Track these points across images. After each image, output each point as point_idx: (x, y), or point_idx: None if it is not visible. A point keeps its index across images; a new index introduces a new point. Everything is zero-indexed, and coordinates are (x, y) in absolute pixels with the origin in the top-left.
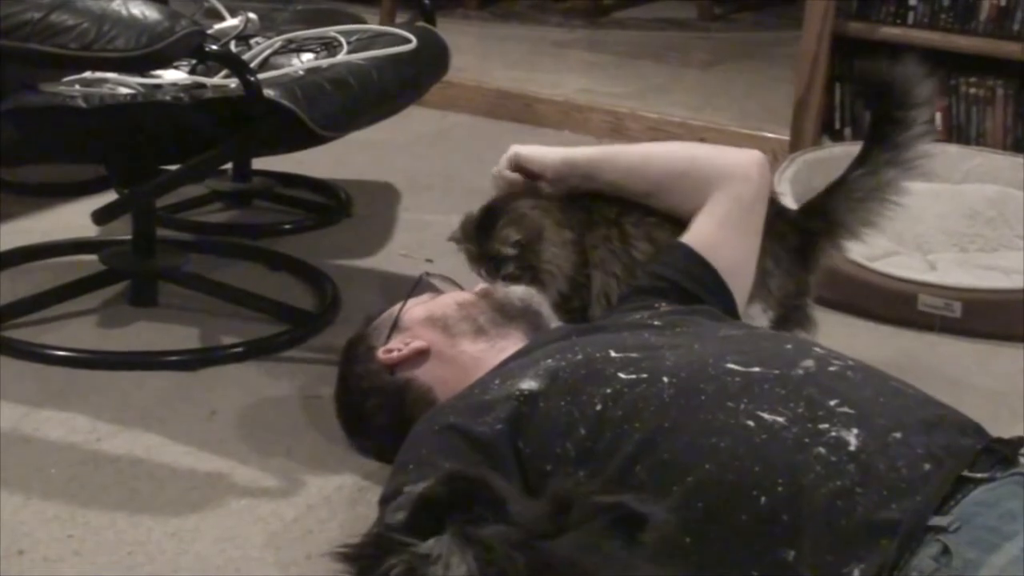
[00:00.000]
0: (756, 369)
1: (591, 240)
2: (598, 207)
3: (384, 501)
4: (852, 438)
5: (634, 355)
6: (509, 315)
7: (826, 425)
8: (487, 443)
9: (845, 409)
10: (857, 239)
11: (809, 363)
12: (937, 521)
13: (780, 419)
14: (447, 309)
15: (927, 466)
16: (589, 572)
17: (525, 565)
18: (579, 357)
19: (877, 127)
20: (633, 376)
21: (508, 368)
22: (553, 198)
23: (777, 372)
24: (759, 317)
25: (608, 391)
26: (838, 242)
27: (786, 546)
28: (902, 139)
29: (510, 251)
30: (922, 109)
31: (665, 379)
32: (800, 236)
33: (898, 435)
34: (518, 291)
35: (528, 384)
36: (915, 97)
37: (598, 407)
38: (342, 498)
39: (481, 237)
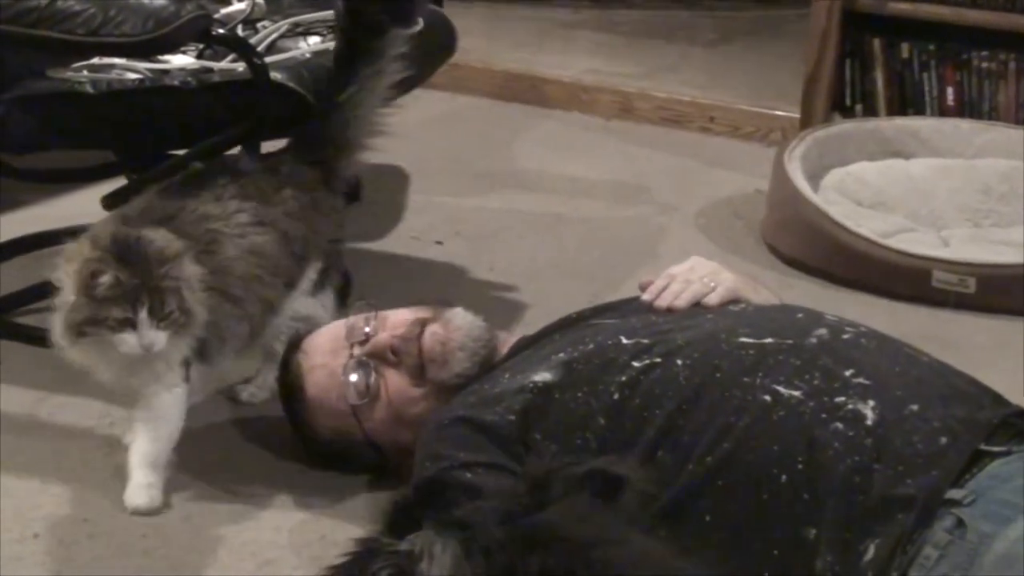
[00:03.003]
0: (769, 340)
1: None
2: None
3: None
4: (869, 411)
5: (645, 341)
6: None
7: (842, 398)
8: (498, 430)
9: (861, 380)
10: (365, 150)
11: (822, 331)
12: (952, 494)
13: (796, 393)
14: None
15: (943, 440)
16: (572, 539)
17: (507, 538)
18: (591, 347)
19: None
20: (647, 362)
21: (515, 361)
22: None
23: (791, 342)
24: (312, 273)
25: (623, 379)
26: (352, 159)
27: (807, 524)
28: (380, 47)
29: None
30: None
31: (679, 361)
32: (321, 171)
33: (915, 407)
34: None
35: (541, 376)
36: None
37: (615, 396)
38: (359, 480)
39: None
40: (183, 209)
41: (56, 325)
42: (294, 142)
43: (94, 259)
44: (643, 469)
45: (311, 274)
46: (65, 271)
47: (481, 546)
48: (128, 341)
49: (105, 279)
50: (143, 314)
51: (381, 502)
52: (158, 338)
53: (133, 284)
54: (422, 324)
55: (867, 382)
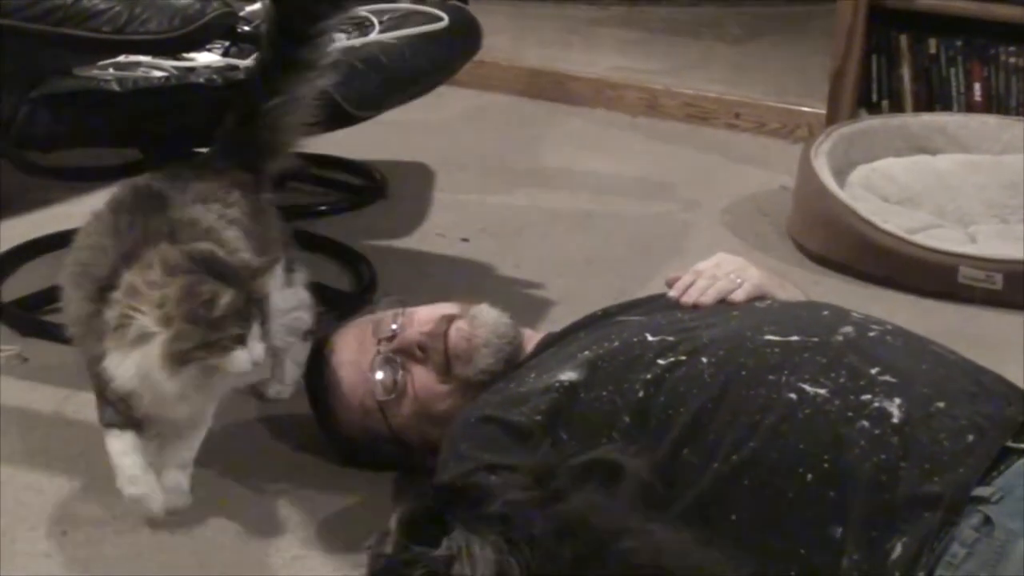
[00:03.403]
0: (795, 338)
1: None
2: None
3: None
4: (895, 409)
5: (670, 338)
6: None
7: (868, 396)
8: (524, 431)
9: (887, 378)
10: (292, 154)
11: (848, 329)
12: (980, 492)
13: (822, 391)
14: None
15: (970, 437)
16: (600, 528)
17: (546, 528)
18: (616, 344)
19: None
20: (672, 360)
21: (541, 360)
22: None
23: (816, 340)
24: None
25: (648, 377)
26: (278, 163)
27: (833, 523)
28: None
29: None
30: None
31: (704, 359)
32: (251, 175)
33: (941, 404)
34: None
35: (567, 375)
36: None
37: (640, 394)
38: (386, 477)
39: None
40: (176, 220)
41: (149, 359)
42: (220, 148)
43: (196, 282)
44: (639, 457)
45: (279, 270)
46: (138, 304)
47: (523, 537)
48: (240, 358)
49: (224, 300)
50: (255, 328)
51: (401, 506)
52: (263, 350)
53: (245, 300)
54: (448, 321)
55: (893, 380)
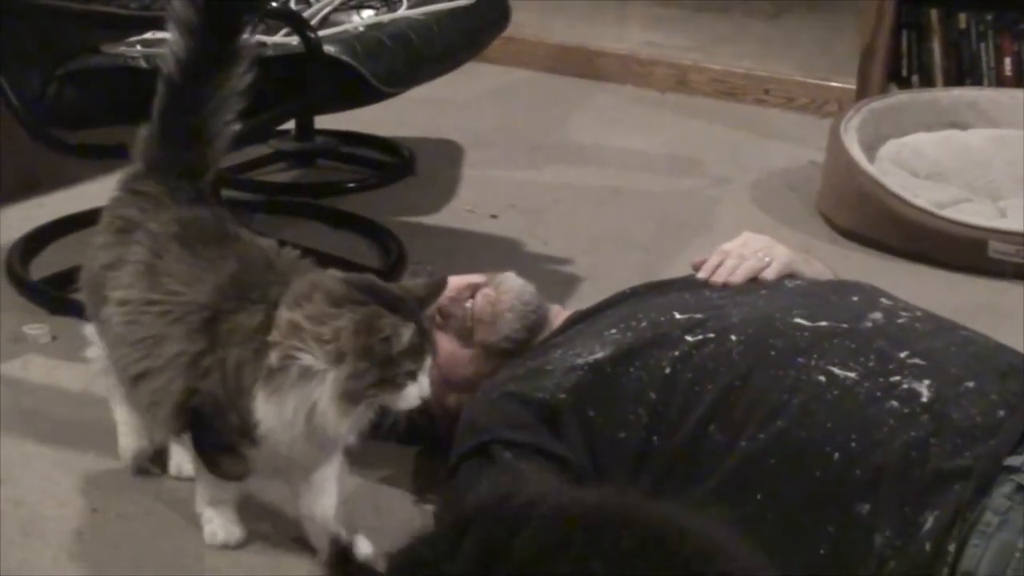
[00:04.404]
0: (824, 323)
1: None
2: None
3: (449, 475)
4: (924, 389)
5: (699, 316)
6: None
7: (897, 378)
8: (547, 408)
9: (916, 360)
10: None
11: (877, 315)
12: (1010, 462)
13: (852, 374)
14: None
15: (1001, 412)
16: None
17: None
18: (643, 324)
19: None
20: (700, 337)
21: (568, 336)
22: None
23: (845, 326)
24: None
25: (676, 354)
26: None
27: (860, 500)
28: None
29: None
30: None
31: (733, 337)
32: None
33: (971, 384)
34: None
35: (593, 352)
36: None
37: (667, 371)
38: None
39: None
40: (260, 247)
41: (317, 399)
42: (152, 164)
43: (374, 316)
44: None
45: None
46: (301, 342)
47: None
48: (412, 393)
49: (406, 336)
50: (428, 361)
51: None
52: (428, 383)
53: (420, 333)
54: (474, 289)
55: (922, 362)
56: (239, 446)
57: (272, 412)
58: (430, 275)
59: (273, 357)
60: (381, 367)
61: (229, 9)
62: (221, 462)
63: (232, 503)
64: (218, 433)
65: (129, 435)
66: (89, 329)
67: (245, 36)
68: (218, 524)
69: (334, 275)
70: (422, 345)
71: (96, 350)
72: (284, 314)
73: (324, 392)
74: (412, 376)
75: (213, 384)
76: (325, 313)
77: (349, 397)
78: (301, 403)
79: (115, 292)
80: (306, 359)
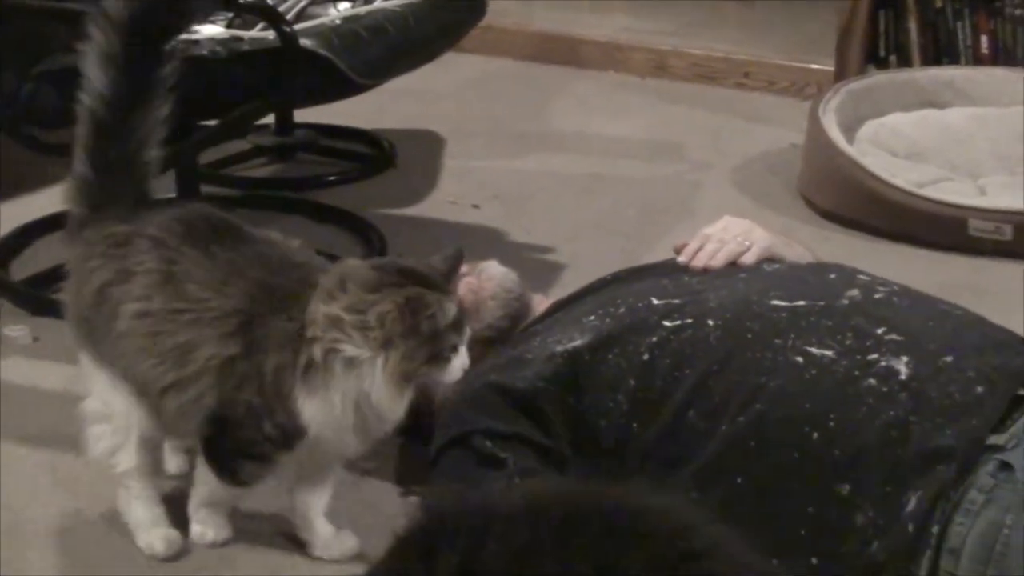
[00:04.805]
0: (801, 303)
1: None
2: None
3: (431, 465)
4: (902, 366)
5: (676, 301)
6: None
7: (875, 355)
8: (526, 397)
9: (893, 336)
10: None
11: (854, 292)
12: (994, 440)
13: (829, 352)
14: None
15: (980, 389)
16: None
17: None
18: (622, 310)
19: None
20: (678, 322)
21: (547, 325)
22: None
23: (822, 304)
24: None
25: (654, 340)
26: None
27: (840, 480)
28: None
29: None
30: None
31: (710, 322)
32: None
33: (949, 359)
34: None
35: (572, 340)
36: None
37: (645, 357)
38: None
39: None
40: (274, 243)
41: (376, 388)
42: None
43: (417, 296)
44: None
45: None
46: (341, 333)
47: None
48: (457, 366)
49: (451, 308)
50: (468, 332)
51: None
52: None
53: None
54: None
55: (900, 338)
56: (270, 453)
57: (318, 410)
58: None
59: (315, 353)
60: (430, 343)
61: (152, 38)
62: (241, 469)
63: (229, 505)
64: (248, 442)
65: (151, 528)
66: (88, 368)
67: (167, 67)
68: (210, 524)
69: (359, 263)
70: (462, 317)
71: (100, 401)
72: (320, 309)
73: (376, 378)
74: (455, 349)
75: (249, 392)
76: (364, 300)
77: (403, 378)
78: (348, 395)
79: (129, 305)
80: (350, 350)
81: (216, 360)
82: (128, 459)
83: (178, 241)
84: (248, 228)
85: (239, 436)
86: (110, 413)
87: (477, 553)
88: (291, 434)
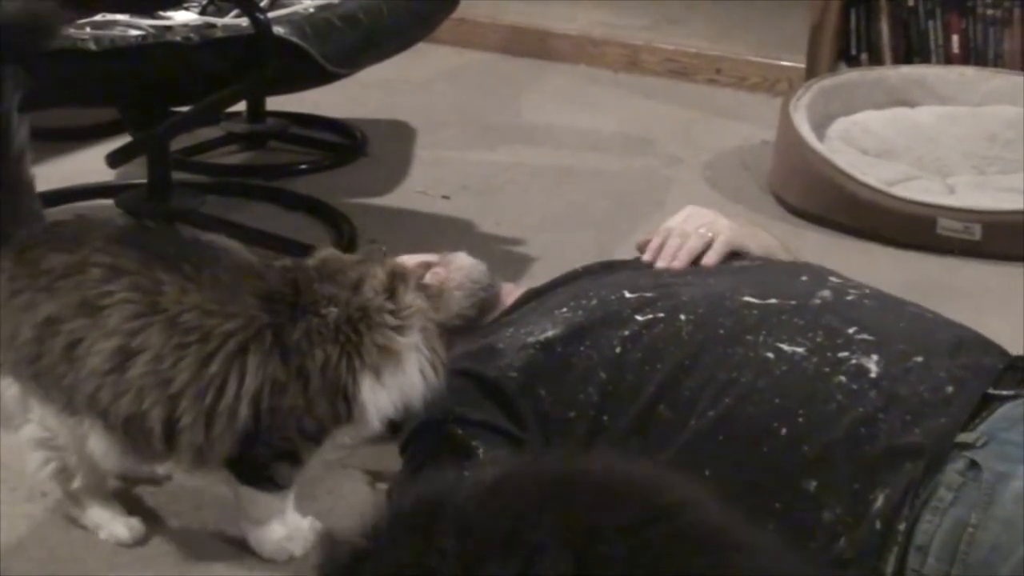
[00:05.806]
0: (773, 301)
1: None
2: None
3: (401, 451)
4: (872, 365)
5: (649, 295)
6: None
7: (846, 353)
8: (498, 387)
9: (864, 336)
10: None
11: (826, 293)
12: (963, 438)
13: (799, 349)
14: None
15: (949, 388)
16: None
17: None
18: (594, 302)
19: None
20: (650, 316)
21: (519, 315)
22: None
23: (794, 303)
24: None
25: (626, 333)
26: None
27: (808, 476)
28: None
29: None
30: None
31: (682, 316)
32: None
33: (919, 359)
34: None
35: (544, 331)
36: None
37: (617, 350)
38: None
39: None
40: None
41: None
42: None
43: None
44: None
45: None
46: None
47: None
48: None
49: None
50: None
51: (384, 455)
52: None
53: None
54: (426, 267)
55: (871, 338)
56: (301, 451)
57: (384, 394)
58: (381, 252)
59: (399, 343)
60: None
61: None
62: (276, 474)
63: (281, 513)
64: (281, 442)
65: (111, 522)
66: (18, 398)
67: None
68: (285, 536)
69: (388, 258)
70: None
71: (42, 429)
72: (407, 298)
73: (438, 353)
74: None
75: (293, 397)
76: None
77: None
78: (415, 375)
79: (104, 343)
80: (400, 340)
81: (254, 386)
82: (78, 480)
83: (138, 265)
84: (194, 234)
85: (270, 441)
86: (55, 444)
87: (469, 526)
88: (325, 426)
